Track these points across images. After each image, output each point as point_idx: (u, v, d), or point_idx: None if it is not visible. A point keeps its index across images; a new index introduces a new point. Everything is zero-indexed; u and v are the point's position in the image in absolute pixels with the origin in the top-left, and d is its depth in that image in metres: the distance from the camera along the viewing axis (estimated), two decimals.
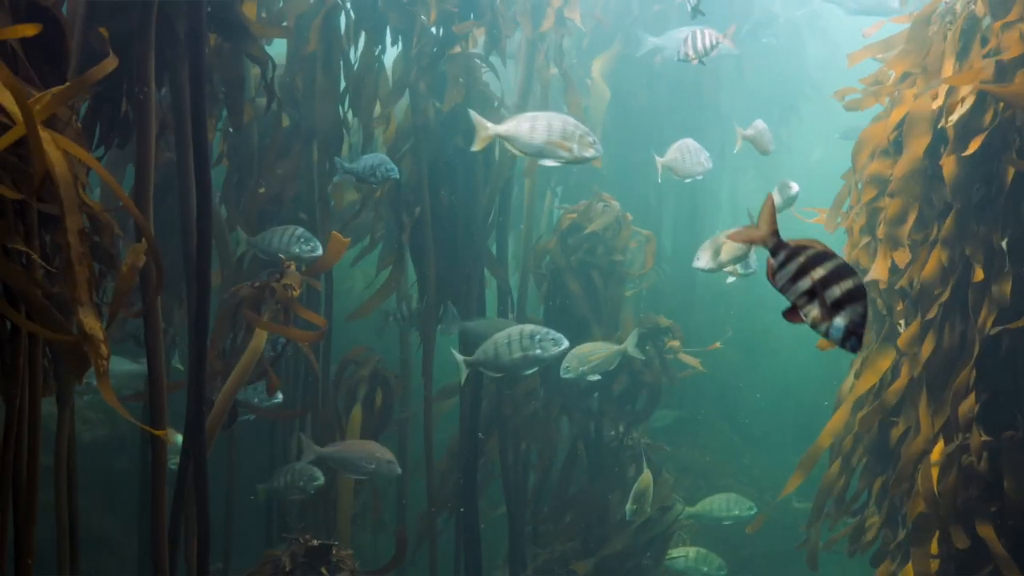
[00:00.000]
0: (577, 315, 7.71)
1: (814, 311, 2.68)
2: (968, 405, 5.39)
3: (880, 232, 5.87)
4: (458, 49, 7.20)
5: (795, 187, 6.61)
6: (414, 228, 7.30)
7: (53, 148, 3.50)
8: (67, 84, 3.66)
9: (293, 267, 5.95)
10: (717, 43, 6.34)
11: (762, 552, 9.87)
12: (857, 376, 6.33)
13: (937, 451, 5.51)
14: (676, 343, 7.79)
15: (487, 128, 5.32)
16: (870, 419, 6.08)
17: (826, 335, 2.69)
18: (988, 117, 5.30)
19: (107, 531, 7.72)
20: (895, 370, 6.08)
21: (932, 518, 5.47)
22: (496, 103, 7.43)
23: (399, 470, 6.70)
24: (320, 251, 6.29)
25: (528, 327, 6.27)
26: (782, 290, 2.73)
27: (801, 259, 2.71)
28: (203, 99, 4.86)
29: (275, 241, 6.42)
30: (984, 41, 5.43)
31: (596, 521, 7.79)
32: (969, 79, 5.28)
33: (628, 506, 6.61)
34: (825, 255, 2.69)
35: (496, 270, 7.71)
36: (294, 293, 5.85)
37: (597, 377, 6.96)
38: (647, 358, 7.59)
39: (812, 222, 6.77)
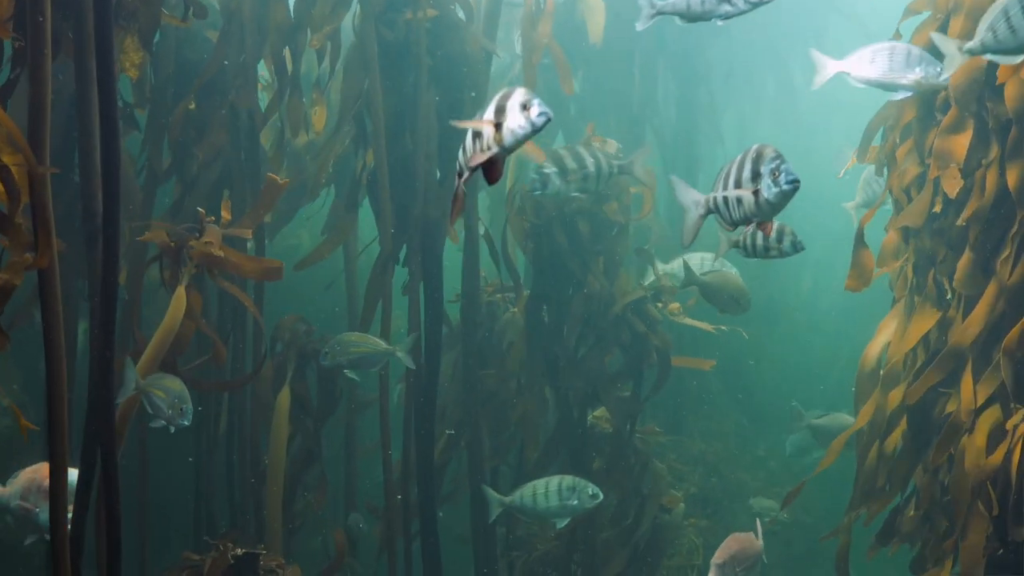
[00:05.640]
0: (564, 272, 6.63)
1: None
2: None
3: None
4: None
5: None
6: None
7: None
8: None
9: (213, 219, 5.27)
10: None
11: (779, 557, 8.66)
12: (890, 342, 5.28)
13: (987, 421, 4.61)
14: (677, 306, 6.68)
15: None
16: (915, 392, 4.99)
17: None
18: None
19: (11, 535, 6.71)
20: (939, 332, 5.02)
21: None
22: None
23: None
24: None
25: (568, 479, 5.98)
26: None
27: None
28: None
29: None
30: None
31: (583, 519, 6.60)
32: None
33: None
34: None
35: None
36: (215, 251, 5.06)
37: (354, 377, 6.50)
38: (650, 327, 6.43)
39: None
